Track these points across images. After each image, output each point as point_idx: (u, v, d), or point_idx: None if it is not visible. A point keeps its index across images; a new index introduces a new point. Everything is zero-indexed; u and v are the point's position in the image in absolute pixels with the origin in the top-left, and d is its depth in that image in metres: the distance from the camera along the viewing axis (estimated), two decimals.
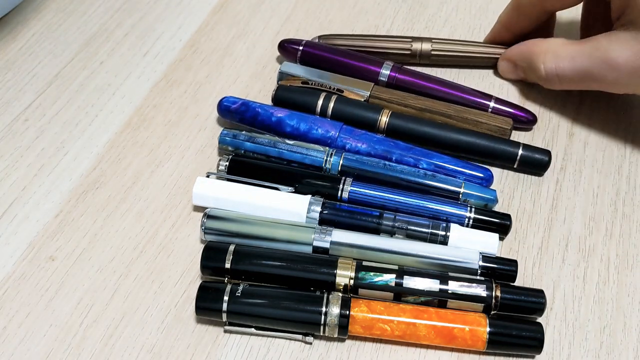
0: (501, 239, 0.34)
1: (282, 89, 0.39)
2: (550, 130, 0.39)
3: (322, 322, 0.29)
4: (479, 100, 0.39)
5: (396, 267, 0.30)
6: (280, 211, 0.33)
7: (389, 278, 0.30)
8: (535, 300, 0.30)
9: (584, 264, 0.33)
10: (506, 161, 0.37)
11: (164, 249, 0.33)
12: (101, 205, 0.35)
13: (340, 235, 0.32)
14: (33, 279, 0.32)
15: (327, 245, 0.31)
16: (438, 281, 0.30)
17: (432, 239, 0.32)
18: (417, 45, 0.42)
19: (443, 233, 0.32)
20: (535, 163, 0.36)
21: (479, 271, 0.31)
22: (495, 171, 0.37)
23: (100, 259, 0.33)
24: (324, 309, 0.29)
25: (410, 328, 0.29)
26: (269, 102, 0.40)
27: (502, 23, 0.41)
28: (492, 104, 0.39)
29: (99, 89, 0.41)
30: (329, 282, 0.30)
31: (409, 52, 0.42)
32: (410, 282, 0.30)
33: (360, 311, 0.29)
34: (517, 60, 0.40)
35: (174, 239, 0.34)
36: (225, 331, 0.30)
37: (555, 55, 0.37)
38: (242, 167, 0.35)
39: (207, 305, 0.30)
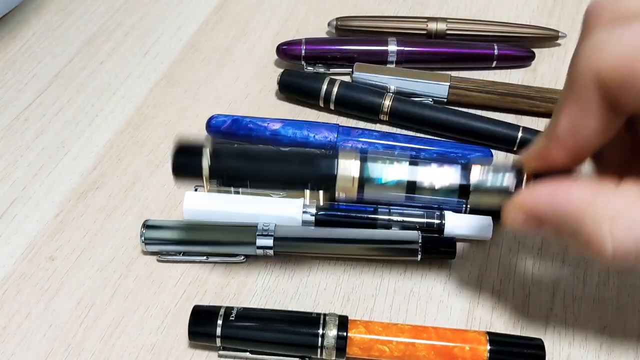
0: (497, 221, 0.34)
1: (287, 74, 0.39)
2: None
3: (319, 344, 0.28)
4: (483, 51, 0.42)
5: (407, 157, 0.27)
6: (275, 217, 0.33)
7: (400, 172, 0.27)
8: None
9: (584, 265, 0.33)
10: (506, 144, 0.37)
11: None
12: (101, 205, 0.35)
13: (282, 232, 0.32)
14: (33, 278, 0.32)
15: (270, 243, 0.32)
16: (460, 170, 0.26)
17: (428, 228, 0.33)
18: (432, 25, 0.42)
19: (438, 221, 0.33)
20: None
21: (420, 250, 0.31)
22: None
23: (100, 259, 0.33)
24: (320, 331, 0.28)
25: (409, 348, 0.28)
26: (269, 102, 0.40)
27: (554, 131, 0.24)
28: (496, 51, 0.41)
29: (99, 89, 0.41)
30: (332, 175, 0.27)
31: (424, 32, 0.42)
32: (425, 177, 0.26)
33: (358, 332, 0.28)
34: (549, 219, 0.24)
35: None
36: (220, 356, 0.29)
37: (635, 222, 0.22)
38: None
39: (200, 330, 0.29)
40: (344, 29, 0.43)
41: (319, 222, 0.33)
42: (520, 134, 0.37)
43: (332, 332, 0.28)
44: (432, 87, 0.39)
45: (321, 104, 0.39)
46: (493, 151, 0.37)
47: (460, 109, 0.39)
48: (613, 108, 0.22)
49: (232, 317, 0.29)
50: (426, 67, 0.41)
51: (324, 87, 0.38)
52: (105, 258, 0.33)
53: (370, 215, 0.33)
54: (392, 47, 0.41)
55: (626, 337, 0.31)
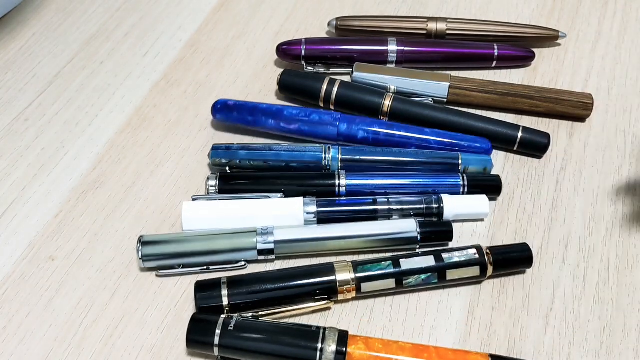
0: (494, 199, 0.35)
1: (287, 74, 0.39)
2: (551, 130, 0.39)
3: (318, 358, 0.28)
4: (483, 51, 0.42)
5: (389, 256, 0.31)
6: (276, 218, 0.33)
7: (387, 264, 0.31)
8: (522, 252, 0.32)
9: (584, 264, 0.33)
10: (506, 143, 0.37)
11: None
12: (101, 205, 0.35)
13: (282, 233, 0.32)
14: (33, 279, 0.32)
15: (271, 246, 0.32)
16: (432, 257, 0.31)
17: (427, 212, 0.33)
18: (432, 25, 0.42)
19: (437, 205, 0.33)
20: (535, 145, 0.37)
21: (419, 237, 0.32)
22: (495, 172, 0.37)
23: (100, 259, 0.33)
24: (319, 345, 0.28)
25: None
26: (269, 102, 0.40)
27: None
28: (496, 51, 0.42)
29: (99, 89, 0.41)
30: (332, 288, 0.30)
31: (424, 32, 0.42)
32: (407, 264, 0.31)
33: (357, 349, 0.28)
34: None
35: None
36: None
37: None
38: (231, 180, 0.35)
39: (198, 339, 0.28)
40: (344, 29, 0.43)
41: (321, 219, 0.33)
42: (520, 134, 0.37)
43: (331, 347, 0.28)
44: (432, 87, 0.39)
45: (321, 104, 0.39)
46: (493, 151, 0.37)
47: (460, 108, 0.39)
48: None
49: (231, 327, 0.28)
50: (426, 67, 0.41)
51: (324, 87, 0.38)
52: (105, 258, 0.33)
53: (370, 207, 0.33)
54: (392, 47, 0.41)
55: (626, 337, 0.31)
